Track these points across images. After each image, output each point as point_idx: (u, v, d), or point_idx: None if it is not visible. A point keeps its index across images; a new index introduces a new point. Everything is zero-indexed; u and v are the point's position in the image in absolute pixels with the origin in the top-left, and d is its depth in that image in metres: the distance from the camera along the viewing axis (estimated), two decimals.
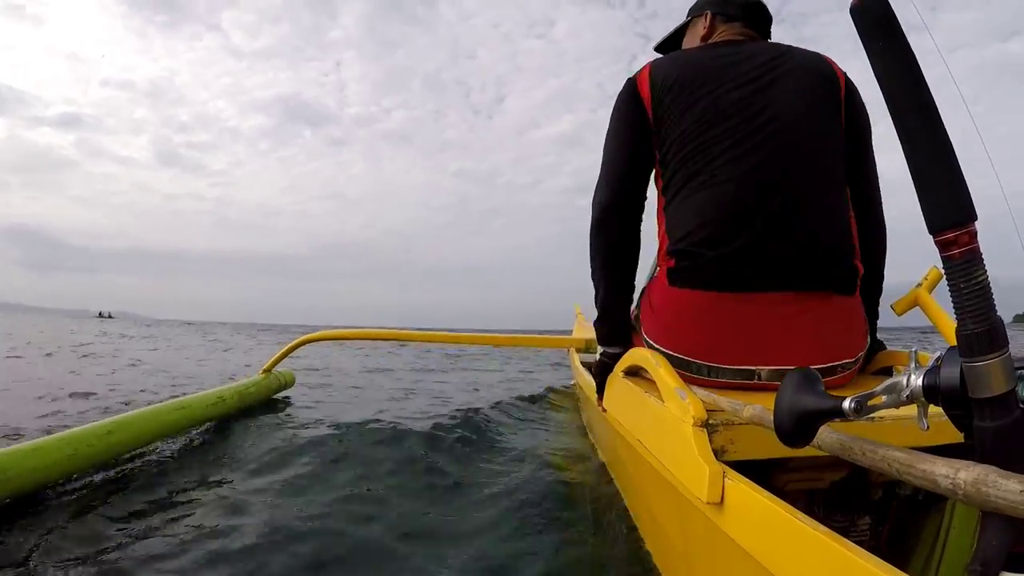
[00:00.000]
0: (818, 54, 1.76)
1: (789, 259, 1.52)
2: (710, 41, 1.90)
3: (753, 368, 1.50)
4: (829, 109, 1.68)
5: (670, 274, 1.64)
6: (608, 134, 1.88)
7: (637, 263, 1.86)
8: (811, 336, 1.51)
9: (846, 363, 1.55)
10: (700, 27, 1.96)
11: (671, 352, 1.58)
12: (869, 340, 1.69)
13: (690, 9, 2.03)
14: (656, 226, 1.81)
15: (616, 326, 1.93)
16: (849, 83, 1.72)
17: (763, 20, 1.91)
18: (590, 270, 1.92)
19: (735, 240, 1.54)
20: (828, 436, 0.82)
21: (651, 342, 1.67)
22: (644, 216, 1.84)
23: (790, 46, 1.78)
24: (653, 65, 1.81)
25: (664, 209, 1.74)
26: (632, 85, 1.81)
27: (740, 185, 1.57)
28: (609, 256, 1.86)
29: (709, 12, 1.94)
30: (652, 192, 1.83)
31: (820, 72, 1.69)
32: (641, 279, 1.92)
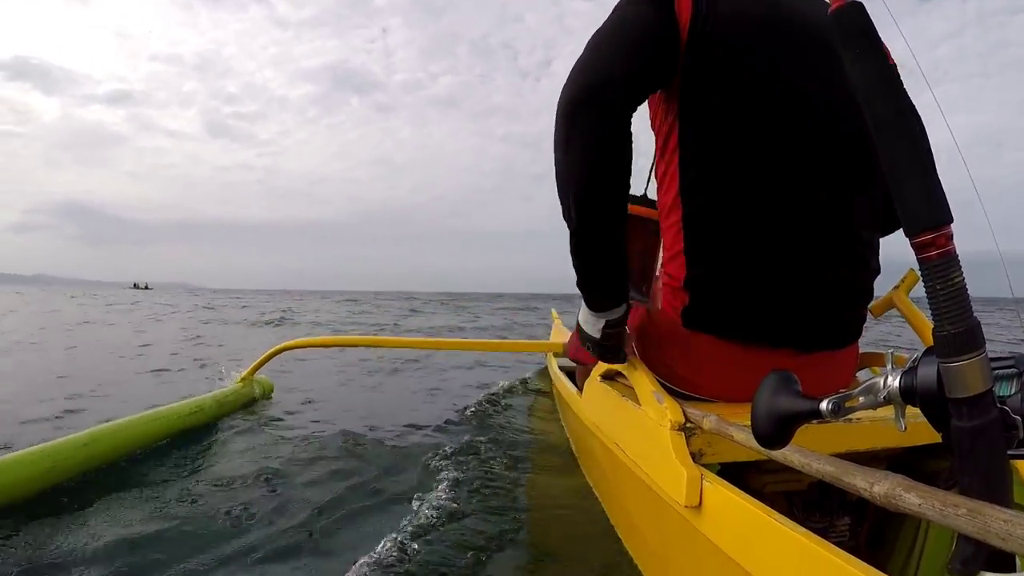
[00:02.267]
0: None
1: (831, 320, 1.38)
2: None
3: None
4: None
5: (687, 315, 1.37)
6: (604, 25, 1.30)
7: (630, 178, 1.27)
8: (816, 381, 1.31)
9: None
10: None
11: (673, 387, 1.45)
12: None
13: None
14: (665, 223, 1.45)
15: (604, 274, 1.39)
16: None
17: None
18: (561, 202, 1.31)
19: (787, 289, 1.33)
20: (794, 456, 0.82)
21: (638, 353, 1.54)
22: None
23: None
24: None
25: (686, 219, 1.36)
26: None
27: (810, 217, 1.31)
28: (595, 157, 1.22)
29: None
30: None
31: None
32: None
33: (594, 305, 1.44)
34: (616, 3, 1.33)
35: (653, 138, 1.45)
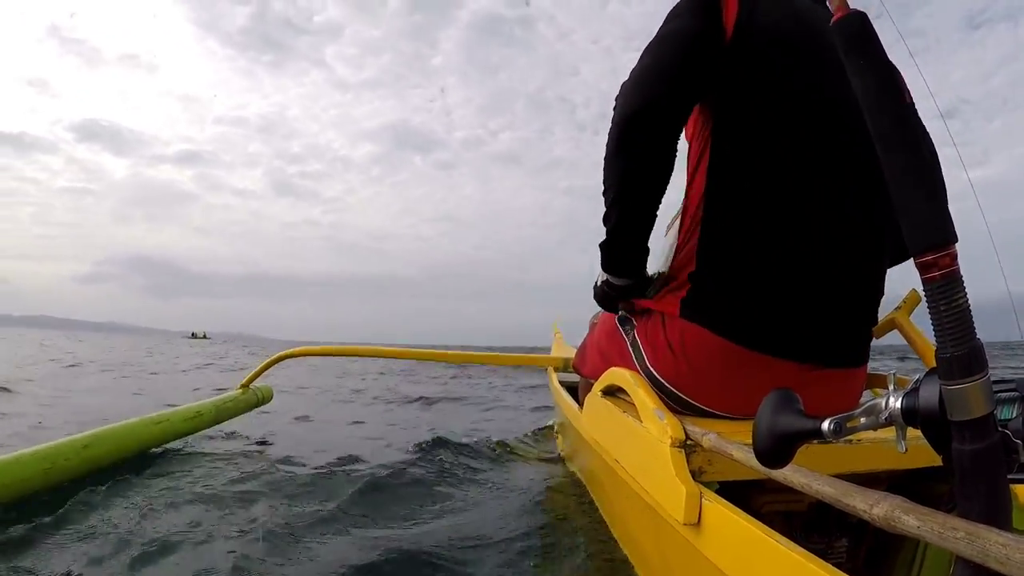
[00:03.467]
0: None
1: (833, 334, 1.38)
2: None
3: (740, 416, 1.41)
4: None
5: (684, 304, 1.41)
6: (655, 38, 1.40)
7: (666, 185, 1.41)
8: (820, 404, 1.20)
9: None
10: None
11: (675, 391, 1.46)
12: None
13: None
14: (677, 220, 1.52)
15: (626, 255, 1.56)
16: None
17: None
18: (603, 194, 1.48)
19: (794, 299, 1.34)
20: (793, 475, 0.82)
21: (653, 373, 1.51)
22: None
23: None
24: None
25: (702, 222, 1.40)
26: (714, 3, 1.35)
27: (831, 233, 1.33)
28: (631, 184, 1.42)
29: None
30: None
31: None
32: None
33: (606, 266, 1.61)
34: (667, 13, 1.41)
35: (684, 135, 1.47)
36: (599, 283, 1.69)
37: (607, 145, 1.42)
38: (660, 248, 1.60)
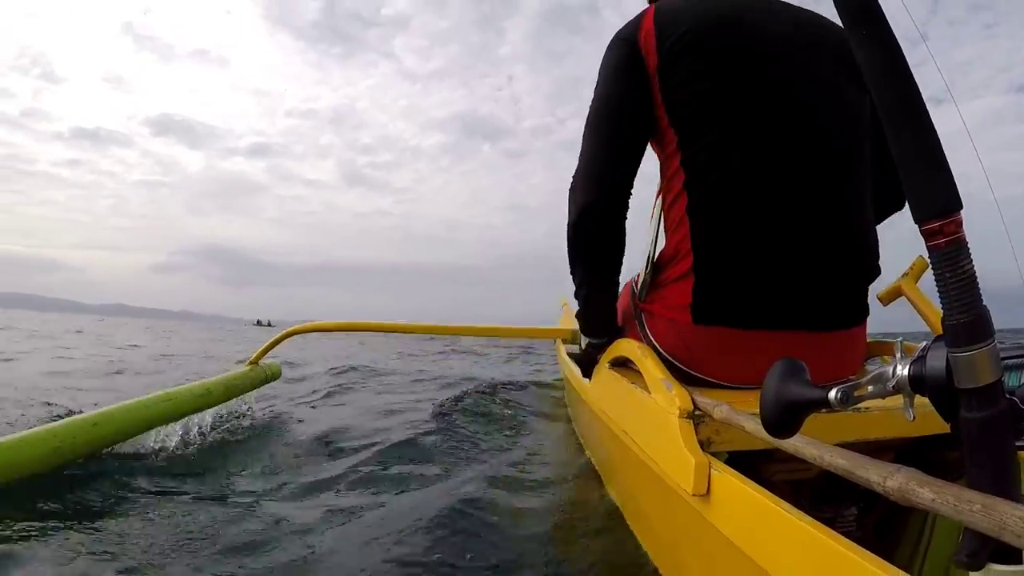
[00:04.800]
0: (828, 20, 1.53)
1: (830, 298, 1.44)
2: None
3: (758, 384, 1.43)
4: (862, 91, 1.45)
5: (696, 310, 1.45)
6: (591, 110, 1.58)
7: (622, 259, 1.65)
8: (823, 364, 1.36)
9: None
10: None
11: (680, 365, 1.51)
12: None
13: None
14: (659, 219, 1.59)
15: (600, 321, 1.78)
16: None
17: None
18: (571, 274, 1.71)
19: (782, 271, 1.40)
20: (805, 447, 0.82)
21: (659, 348, 1.56)
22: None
23: (808, 11, 1.53)
24: (659, 9, 1.48)
25: (689, 211, 1.46)
26: (630, 39, 1.48)
27: (796, 191, 1.40)
28: (590, 260, 1.64)
29: None
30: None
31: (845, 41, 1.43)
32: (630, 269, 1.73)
33: (586, 331, 1.85)
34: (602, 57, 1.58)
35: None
36: (582, 348, 1.93)
37: (567, 234, 1.63)
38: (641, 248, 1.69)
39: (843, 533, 0.72)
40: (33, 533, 1.62)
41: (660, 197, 1.58)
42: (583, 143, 1.60)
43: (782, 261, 1.40)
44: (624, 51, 1.49)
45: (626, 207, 1.58)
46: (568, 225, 1.62)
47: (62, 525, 1.69)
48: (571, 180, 1.62)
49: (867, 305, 1.51)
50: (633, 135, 1.52)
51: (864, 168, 1.47)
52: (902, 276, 1.91)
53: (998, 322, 0.61)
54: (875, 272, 1.52)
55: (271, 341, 3.61)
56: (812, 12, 1.52)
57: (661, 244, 1.58)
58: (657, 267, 1.59)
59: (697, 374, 1.48)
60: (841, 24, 0.68)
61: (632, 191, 1.58)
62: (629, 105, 1.50)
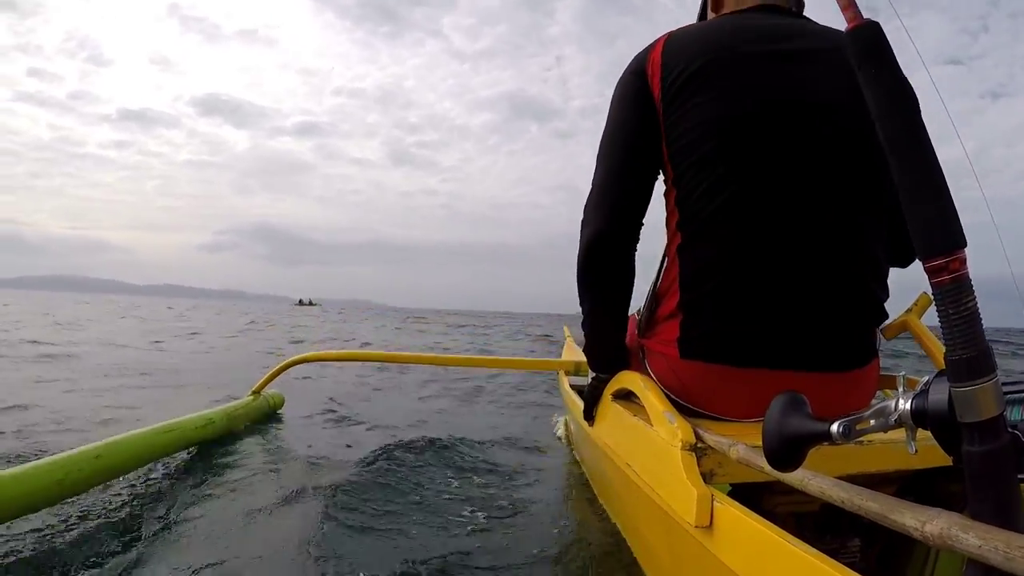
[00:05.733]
0: None
1: (826, 339, 1.39)
2: (723, 12, 1.58)
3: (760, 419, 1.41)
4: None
5: (681, 345, 1.45)
6: (603, 137, 1.58)
7: (631, 293, 1.61)
8: (826, 404, 1.32)
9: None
10: (709, 7, 1.65)
11: (675, 397, 1.48)
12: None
13: None
14: (661, 259, 1.59)
15: (606, 354, 1.73)
16: None
17: None
18: (578, 297, 1.66)
19: (768, 315, 1.37)
20: (812, 481, 0.82)
21: (656, 382, 1.55)
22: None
23: (825, 27, 1.48)
24: (669, 40, 1.48)
25: (678, 251, 1.47)
26: (639, 71, 1.49)
27: (787, 231, 1.36)
28: (599, 290, 1.61)
29: None
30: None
31: None
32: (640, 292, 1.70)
33: (594, 366, 1.82)
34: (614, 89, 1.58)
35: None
36: (590, 383, 1.85)
37: (579, 258, 1.60)
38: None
39: (847, 564, 0.72)
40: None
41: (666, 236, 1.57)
42: (594, 174, 1.59)
43: (769, 301, 1.38)
44: (633, 84, 1.50)
45: (636, 238, 1.56)
46: (579, 254, 1.59)
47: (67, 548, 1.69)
48: (583, 212, 1.61)
49: (873, 347, 1.48)
50: (642, 166, 1.51)
51: (876, 205, 1.42)
52: (906, 311, 1.92)
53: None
54: (879, 314, 1.48)
55: (273, 371, 3.61)
56: (835, 31, 1.46)
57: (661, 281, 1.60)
58: (654, 304, 1.61)
59: (690, 406, 1.47)
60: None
61: (643, 223, 1.56)
62: (638, 137, 1.50)
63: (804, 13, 1.58)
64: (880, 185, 1.39)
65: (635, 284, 1.62)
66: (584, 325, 1.72)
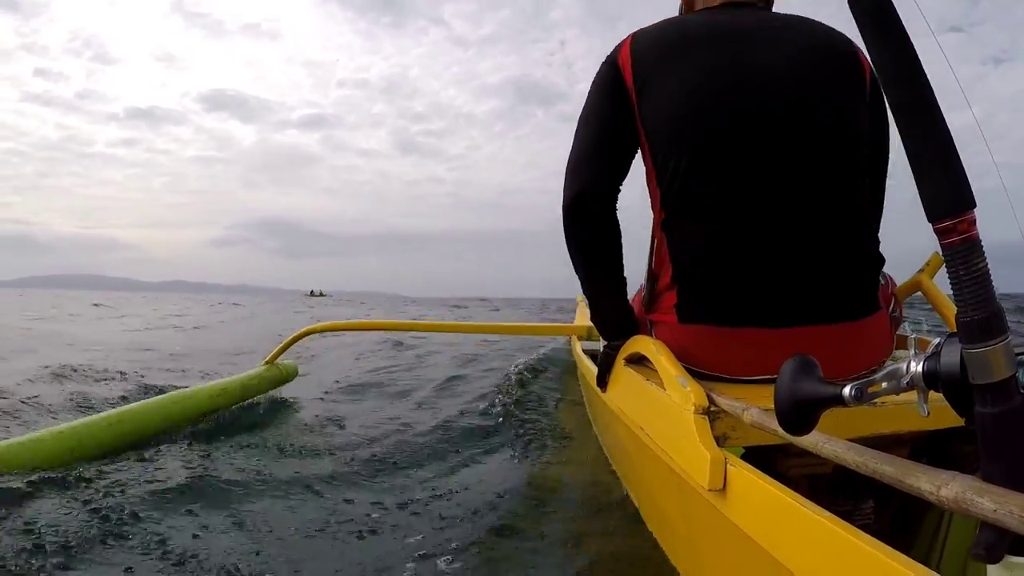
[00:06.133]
0: (833, 28, 1.55)
1: (814, 293, 1.44)
2: (695, 9, 1.70)
3: (761, 377, 1.45)
4: (853, 85, 1.48)
5: (679, 311, 1.52)
6: (580, 116, 1.68)
7: (621, 249, 1.68)
8: (830, 356, 1.33)
9: (869, 370, 1.47)
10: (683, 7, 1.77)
11: (686, 365, 1.47)
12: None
13: None
14: (651, 237, 1.68)
15: (612, 319, 1.78)
16: (874, 72, 1.43)
17: None
18: (576, 272, 1.75)
19: (751, 277, 1.43)
20: (825, 445, 0.82)
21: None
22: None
23: (798, 16, 1.58)
24: (636, 35, 1.60)
25: (663, 225, 1.56)
26: (612, 59, 1.61)
27: (756, 193, 1.43)
28: (586, 249, 1.68)
29: None
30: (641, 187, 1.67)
31: (839, 42, 1.51)
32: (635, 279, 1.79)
33: (603, 333, 1.84)
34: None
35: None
36: (603, 350, 1.87)
37: (563, 221, 1.66)
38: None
39: (860, 527, 0.72)
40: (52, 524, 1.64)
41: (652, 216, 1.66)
42: (571, 150, 1.68)
43: (753, 260, 1.43)
44: (608, 74, 1.61)
45: (613, 197, 1.64)
46: (562, 217, 1.67)
47: (79, 519, 1.70)
48: (563, 185, 1.69)
49: (873, 298, 1.51)
50: (615, 142, 1.61)
51: (853, 169, 1.48)
52: (918, 271, 1.91)
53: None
54: (874, 260, 1.53)
55: (287, 341, 3.62)
56: (809, 22, 1.56)
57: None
58: (652, 281, 1.67)
59: (695, 368, 1.48)
60: (856, 26, 0.68)
61: (620, 187, 1.65)
62: (610, 120, 1.61)
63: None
64: (849, 140, 1.47)
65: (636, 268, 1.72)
66: (585, 292, 1.80)
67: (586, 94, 1.68)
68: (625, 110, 1.57)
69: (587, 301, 1.82)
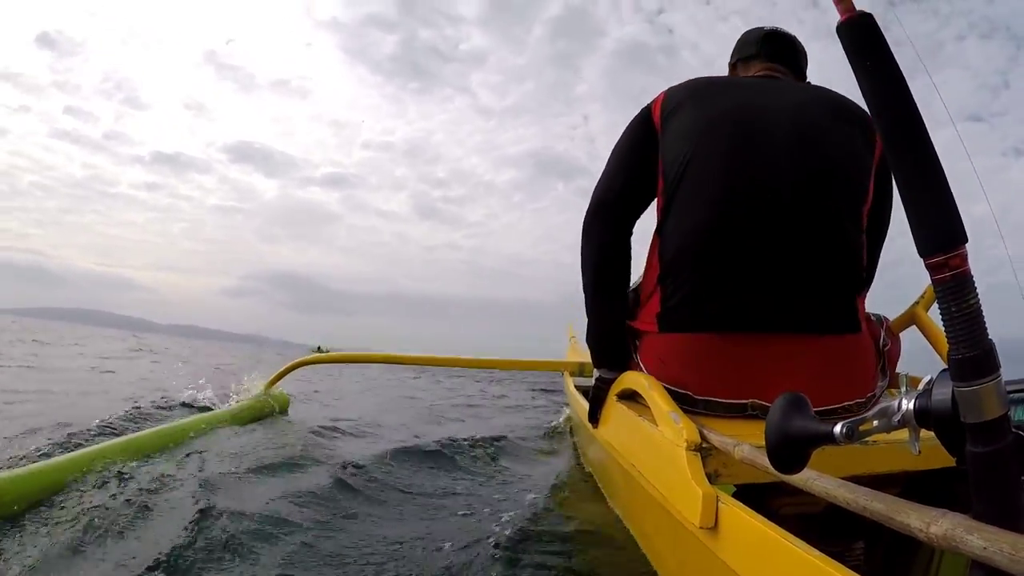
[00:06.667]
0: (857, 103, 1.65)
1: (787, 302, 1.48)
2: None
3: (747, 402, 1.49)
4: (856, 133, 1.56)
5: (660, 320, 1.60)
6: (613, 149, 1.82)
7: (629, 273, 1.79)
8: (811, 375, 1.47)
9: (857, 403, 1.51)
10: None
11: (664, 384, 1.53)
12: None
13: None
14: (649, 245, 1.73)
15: (609, 341, 1.83)
16: None
17: (788, 53, 1.81)
18: (581, 279, 1.83)
19: (727, 276, 1.50)
20: (816, 482, 0.81)
21: (641, 366, 1.66)
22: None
23: (827, 88, 1.71)
24: (670, 89, 1.75)
25: (658, 230, 1.67)
26: (648, 105, 1.75)
27: (743, 199, 1.51)
28: (599, 260, 1.77)
29: (729, 65, 1.92)
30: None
31: (855, 107, 1.61)
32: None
33: (597, 360, 1.88)
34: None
35: None
36: (594, 384, 1.91)
37: (582, 232, 1.80)
38: None
39: (852, 567, 0.71)
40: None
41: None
42: (603, 172, 1.81)
43: (737, 265, 1.50)
44: (642, 115, 1.74)
45: (630, 215, 1.77)
46: (582, 228, 1.80)
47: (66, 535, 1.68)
48: (592, 194, 1.82)
49: (854, 316, 1.54)
50: (640, 166, 1.71)
51: (844, 196, 1.54)
52: (913, 304, 1.91)
53: None
54: (856, 278, 1.57)
55: (279, 372, 3.61)
56: (834, 93, 1.67)
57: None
58: (639, 287, 1.77)
59: (674, 388, 1.52)
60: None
61: (638, 212, 1.77)
62: (639, 147, 1.73)
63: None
64: (841, 172, 1.55)
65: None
66: (587, 307, 1.84)
67: None
68: (650, 143, 1.69)
69: (587, 314, 1.85)
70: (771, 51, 1.79)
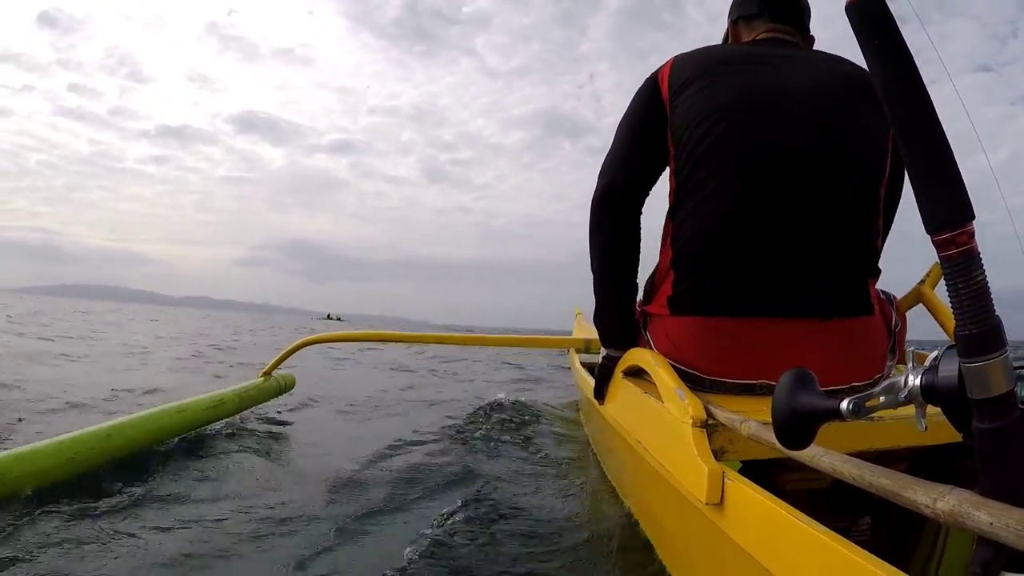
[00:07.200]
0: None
1: (800, 287, 1.48)
2: (740, 42, 1.79)
3: (756, 382, 1.48)
4: (872, 109, 1.52)
5: (672, 303, 1.60)
6: (619, 124, 1.79)
7: (638, 256, 1.75)
8: (822, 357, 1.45)
9: (866, 383, 1.49)
10: (729, 41, 1.84)
11: (674, 363, 1.53)
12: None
13: None
14: (662, 230, 1.70)
15: (617, 323, 1.82)
16: None
17: (793, 12, 1.74)
18: (589, 260, 1.81)
19: (740, 262, 1.49)
20: (823, 458, 0.81)
21: (652, 346, 1.66)
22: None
23: (838, 55, 1.67)
24: (677, 57, 1.70)
25: (671, 214, 1.65)
26: (655, 77, 1.71)
27: (757, 183, 1.49)
28: (608, 245, 1.75)
29: (729, 20, 1.83)
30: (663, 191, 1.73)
31: (868, 77, 1.55)
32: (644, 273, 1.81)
33: (604, 338, 1.89)
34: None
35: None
36: (601, 361, 1.92)
37: (590, 215, 1.77)
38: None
39: (858, 542, 0.72)
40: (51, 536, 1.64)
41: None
42: (610, 147, 1.78)
43: (750, 249, 1.49)
44: (648, 87, 1.71)
45: (639, 196, 1.73)
46: (590, 212, 1.77)
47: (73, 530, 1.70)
48: (598, 174, 1.79)
49: (867, 300, 1.54)
50: (647, 143, 1.69)
51: (862, 181, 1.53)
52: (919, 282, 1.91)
53: None
54: (868, 262, 1.56)
55: (284, 352, 3.59)
56: (847, 61, 1.64)
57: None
58: (653, 273, 1.75)
59: (685, 368, 1.53)
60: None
61: (647, 191, 1.74)
62: (643, 123, 1.70)
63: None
64: (860, 154, 1.52)
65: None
66: (595, 288, 1.82)
67: (616, 128, 1.78)
68: (658, 119, 1.66)
69: (595, 294, 1.83)
70: (775, 11, 1.72)
